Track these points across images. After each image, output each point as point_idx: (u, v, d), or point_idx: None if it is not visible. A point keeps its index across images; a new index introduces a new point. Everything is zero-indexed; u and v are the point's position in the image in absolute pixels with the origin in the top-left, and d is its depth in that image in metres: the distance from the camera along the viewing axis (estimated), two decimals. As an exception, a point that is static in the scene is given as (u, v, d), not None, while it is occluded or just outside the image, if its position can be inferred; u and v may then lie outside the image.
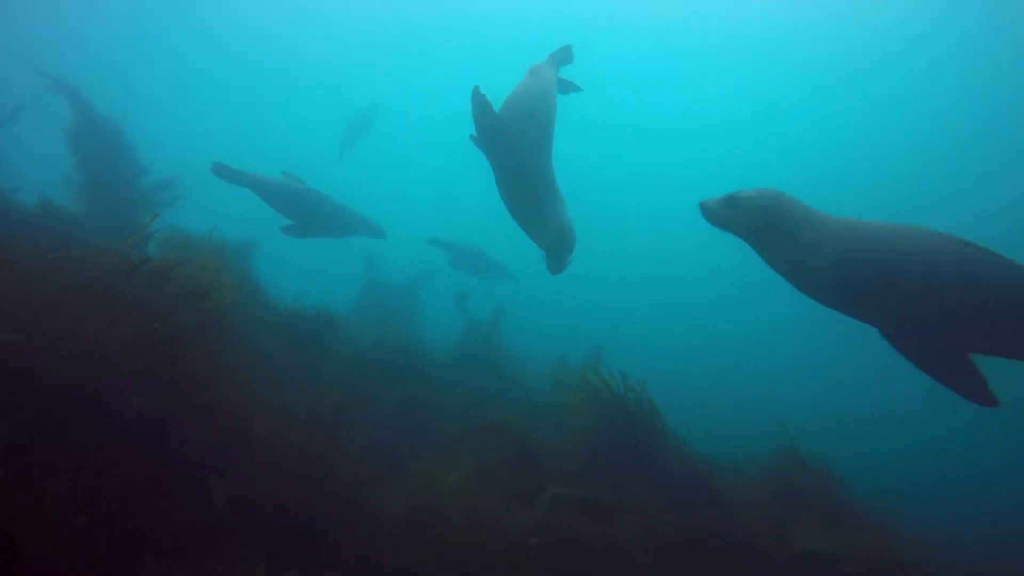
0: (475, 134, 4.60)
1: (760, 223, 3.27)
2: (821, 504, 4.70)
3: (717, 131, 31.52)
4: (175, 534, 3.62)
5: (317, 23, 29.35)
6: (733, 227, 3.41)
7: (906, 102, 27.78)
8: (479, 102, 4.47)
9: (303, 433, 4.66)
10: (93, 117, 7.86)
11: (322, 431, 4.86)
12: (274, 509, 4.08)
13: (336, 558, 4.04)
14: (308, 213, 7.94)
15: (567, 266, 4.34)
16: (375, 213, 8.60)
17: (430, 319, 11.10)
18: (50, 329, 3.55)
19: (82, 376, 3.51)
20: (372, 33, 29.27)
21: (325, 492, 4.26)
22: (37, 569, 2.83)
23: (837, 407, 13.51)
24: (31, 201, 6.64)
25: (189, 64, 31.02)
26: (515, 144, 4.50)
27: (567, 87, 5.87)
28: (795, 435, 5.58)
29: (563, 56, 5.82)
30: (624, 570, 3.54)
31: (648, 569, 3.56)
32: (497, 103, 4.74)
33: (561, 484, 4.22)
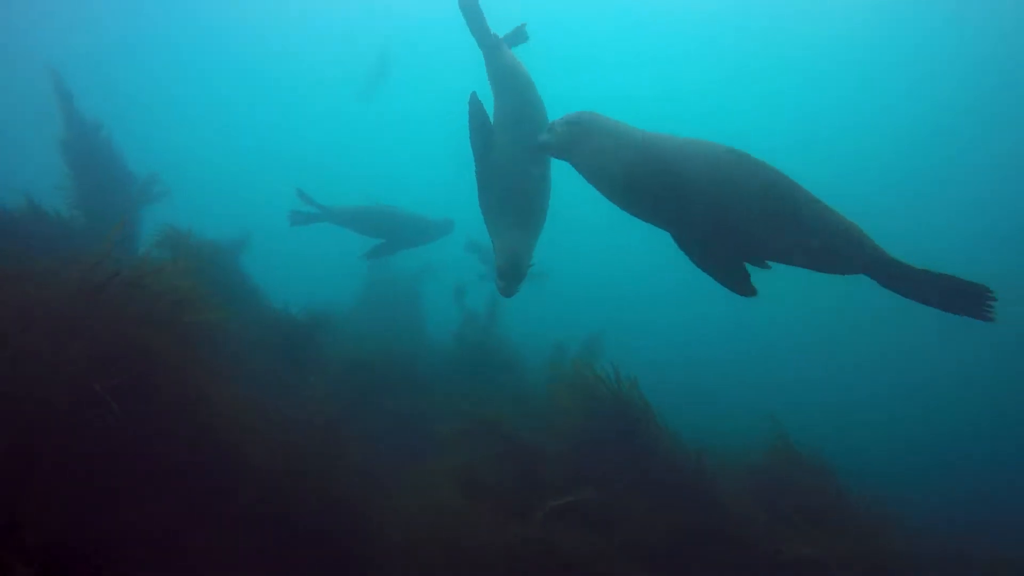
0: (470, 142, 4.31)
1: (573, 140, 3.55)
2: (816, 503, 4.63)
3: (709, 117, 30.83)
4: (167, 542, 3.63)
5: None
6: (557, 151, 3.66)
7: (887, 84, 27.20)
8: (477, 114, 4.20)
9: (299, 438, 4.65)
10: (83, 121, 7.81)
11: (319, 436, 4.83)
12: (271, 514, 4.07)
13: (334, 562, 4.04)
14: (396, 231, 8.26)
15: (516, 291, 4.17)
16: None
17: (435, 307, 11.01)
18: (27, 338, 3.54)
19: (59, 388, 3.49)
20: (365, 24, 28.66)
21: (323, 496, 4.24)
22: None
23: (835, 390, 13.43)
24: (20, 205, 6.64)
25: (182, 60, 30.77)
26: (507, 158, 4.24)
27: (518, 38, 5.40)
28: (789, 424, 5.51)
29: (518, 38, 5.35)
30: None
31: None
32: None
33: (553, 489, 4.18)
